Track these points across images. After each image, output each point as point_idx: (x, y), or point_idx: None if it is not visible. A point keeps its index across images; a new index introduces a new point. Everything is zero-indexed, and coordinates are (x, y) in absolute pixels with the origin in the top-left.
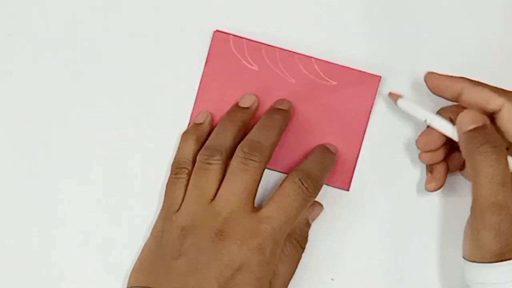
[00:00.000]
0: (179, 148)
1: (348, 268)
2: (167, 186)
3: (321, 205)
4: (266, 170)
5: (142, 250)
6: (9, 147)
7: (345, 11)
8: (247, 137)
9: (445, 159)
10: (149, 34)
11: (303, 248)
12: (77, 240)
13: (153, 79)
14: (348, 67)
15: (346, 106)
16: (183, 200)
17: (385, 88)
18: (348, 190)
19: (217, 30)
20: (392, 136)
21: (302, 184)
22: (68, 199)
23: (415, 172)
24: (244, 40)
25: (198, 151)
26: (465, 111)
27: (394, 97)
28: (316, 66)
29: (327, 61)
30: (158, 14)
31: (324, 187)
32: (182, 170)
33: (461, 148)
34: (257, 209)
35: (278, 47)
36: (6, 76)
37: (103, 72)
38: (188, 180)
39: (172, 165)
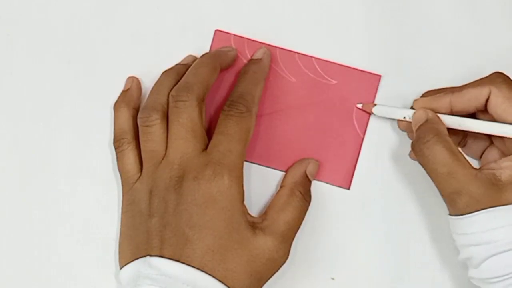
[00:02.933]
0: (114, 120)
1: (348, 268)
2: (117, 163)
3: (316, 161)
4: (264, 169)
5: (120, 230)
6: (9, 147)
7: (345, 11)
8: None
9: None
10: (149, 34)
11: (308, 201)
12: (77, 240)
13: (154, 79)
14: (348, 66)
15: (346, 105)
16: (139, 166)
17: (385, 87)
18: (348, 189)
19: (218, 30)
20: (392, 135)
21: (235, 107)
22: (68, 199)
23: (415, 172)
24: (245, 39)
25: (134, 115)
26: (415, 112)
27: (367, 108)
28: (316, 65)
29: (327, 60)
30: (158, 14)
31: (325, 186)
32: (122, 142)
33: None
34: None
35: (278, 47)
36: (6, 76)
37: (103, 72)
38: (133, 145)
39: (113, 141)
